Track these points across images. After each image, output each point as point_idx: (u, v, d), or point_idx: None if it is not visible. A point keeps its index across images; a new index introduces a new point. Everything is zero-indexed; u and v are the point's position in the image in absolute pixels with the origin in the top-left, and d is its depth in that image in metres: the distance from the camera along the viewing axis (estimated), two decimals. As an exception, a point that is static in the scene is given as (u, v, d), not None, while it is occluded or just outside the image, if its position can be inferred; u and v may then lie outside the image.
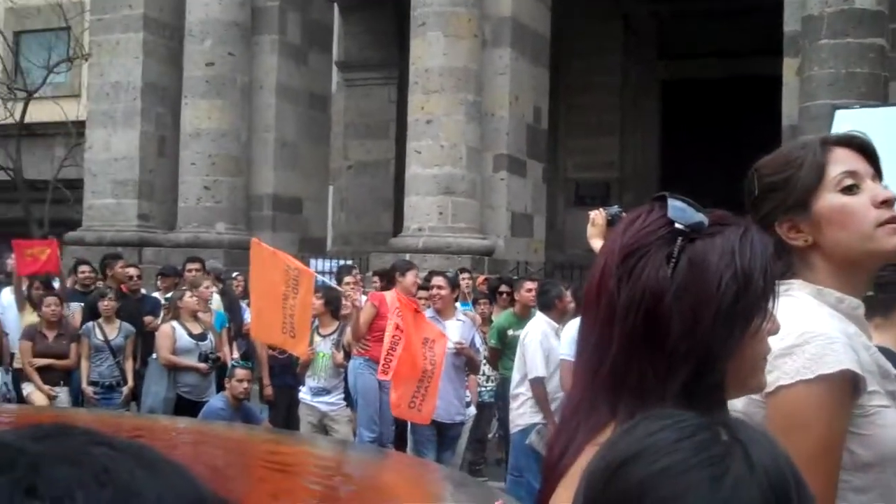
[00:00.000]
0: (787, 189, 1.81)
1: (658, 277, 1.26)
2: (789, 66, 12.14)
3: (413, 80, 13.53)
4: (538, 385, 7.21)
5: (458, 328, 7.94)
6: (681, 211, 1.29)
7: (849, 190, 1.79)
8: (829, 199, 1.79)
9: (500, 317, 9.36)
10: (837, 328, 1.71)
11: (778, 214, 1.82)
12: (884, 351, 2.33)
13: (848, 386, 1.65)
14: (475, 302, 10.01)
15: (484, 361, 8.85)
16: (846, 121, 8.98)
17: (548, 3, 14.89)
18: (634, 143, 19.50)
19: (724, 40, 17.80)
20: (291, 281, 7.85)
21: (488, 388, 9.24)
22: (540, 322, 7.54)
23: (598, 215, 3.88)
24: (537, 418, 7.19)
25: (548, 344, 7.28)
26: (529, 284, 8.86)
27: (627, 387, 1.26)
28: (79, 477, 0.63)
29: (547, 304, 7.67)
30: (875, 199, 1.78)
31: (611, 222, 3.83)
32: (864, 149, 1.85)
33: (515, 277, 11.14)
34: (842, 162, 1.81)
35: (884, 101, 11.08)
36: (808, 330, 1.68)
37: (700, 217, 1.29)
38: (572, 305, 7.64)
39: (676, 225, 1.28)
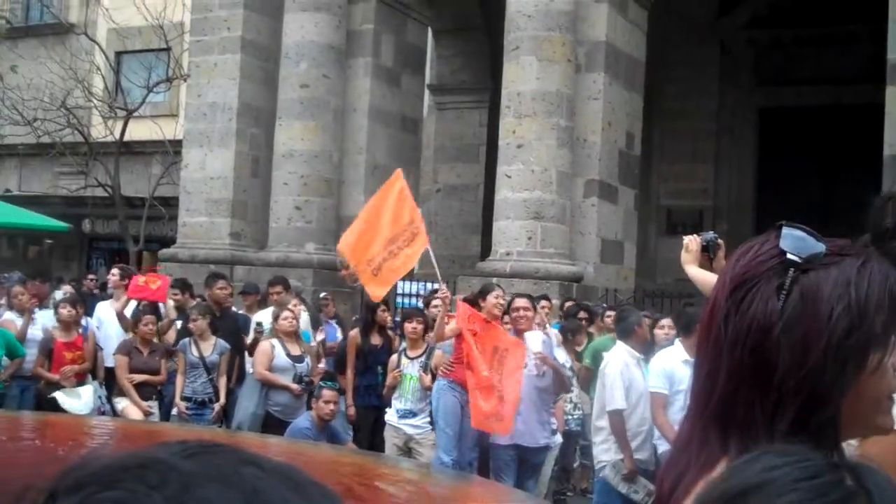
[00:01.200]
0: None
1: (767, 310, 1.21)
2: (893, 94, 11.80)
3: (505, 104, 13.52)
4: (617, 418, 7.01)
5: (539, 340, 7.81)
6: (798, 240, 1.24)
7: None
8: None
9: (598, 339, 9.25)
10: None
11: None
12: None
13: None
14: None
15: (572, 387, 8.73)
16: None
17: (643, 28, 14.77)
18: (729, 170, 19.22)
19: (822, 67, 17.48)
20: (409, 231, 7.88)
21: (575, 417, 9.08)
22: (621, 351, 7.30)
23: (692, 241, 3.80)
24: (623, 453, 7.03)
25: (629, 374, 7.09)
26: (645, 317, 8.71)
27: (735, 422, 1.21)
28: (229, 498, 0.63)
29: (626, 331, 7.43)
30: None
31: (706, 248, 3.76)
32: None
33: (597, 305, 11.04)
34: None
35: None
36: None
37: (817, 247, 1.24)
38: (671, 333, 7.48)
39: (788, 255, 1.23)
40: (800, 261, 1.23)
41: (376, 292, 8.28)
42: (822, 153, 17.11)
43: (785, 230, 1.26)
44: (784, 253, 1.24)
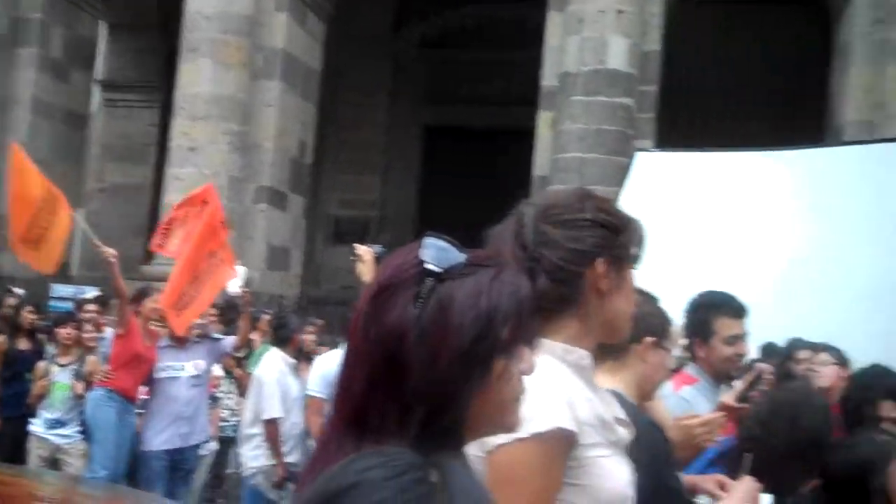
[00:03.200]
0: (621, 237, 1.90)
1: (403, 317, 1.24)
2: (545, 119, 12.69)
3: (179, 106, 13.21)
4: (272, 426, 6.98)
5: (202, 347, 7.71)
6: (439, 250, 1.27)
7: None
8: (631, 274, 1.92)
9: (262, 346, 9.21)
10: (559, 384, 1.76)
11: (604, 252, 1.87)
12: (614, 395, 2.42)
13: (561, 442, 1.72)
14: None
15: (229, 393, 8.66)
16: (646, 164, 9.51)
17: (320, 39, 14.94)
18: (396, 183, 19.77)
19: (487, 90, 18.41)
20: (49, 199, 7.80)
21: (231, 423, 8.93)
22: (276, 359, 7.25)
23: (365, 252, 3.88)
24: (275, 460, 7.01)
25: (284, 381, 7.09)
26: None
27: (370, 427, 1.23)
28: None
29: (283, 338, 7.41)
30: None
31: (378, 260, 3.85)
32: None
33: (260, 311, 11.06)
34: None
35: (629, 157, 11.78)
36: (528, 388, 1.66)
37: (457, 258, 1.28)
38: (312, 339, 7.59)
39: (427, 265, 1.26)
40: (438, 270, 1.25)
41: (45, 264, 7.98)
42: (483, 171, 18.00)
43: (427, 240, 1.28)
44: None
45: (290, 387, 7.08)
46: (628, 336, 2.03)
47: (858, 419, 3.92)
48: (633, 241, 1.93)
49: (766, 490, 3.14)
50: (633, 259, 1.94)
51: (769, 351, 6.93)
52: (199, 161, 12.87)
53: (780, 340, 5.99)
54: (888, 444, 3.16)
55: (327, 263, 18.11)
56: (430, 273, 1.25)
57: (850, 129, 11.80)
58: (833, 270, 7.56)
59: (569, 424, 1.71)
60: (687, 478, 3.14)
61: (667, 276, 6.72)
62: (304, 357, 8.05)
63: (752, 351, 5.32)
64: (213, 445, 8.20)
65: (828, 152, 9.78)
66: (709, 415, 3.38)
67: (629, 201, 8.99)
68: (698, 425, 3.24)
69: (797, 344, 6.76)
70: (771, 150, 9.17)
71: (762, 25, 15.84)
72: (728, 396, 3.70)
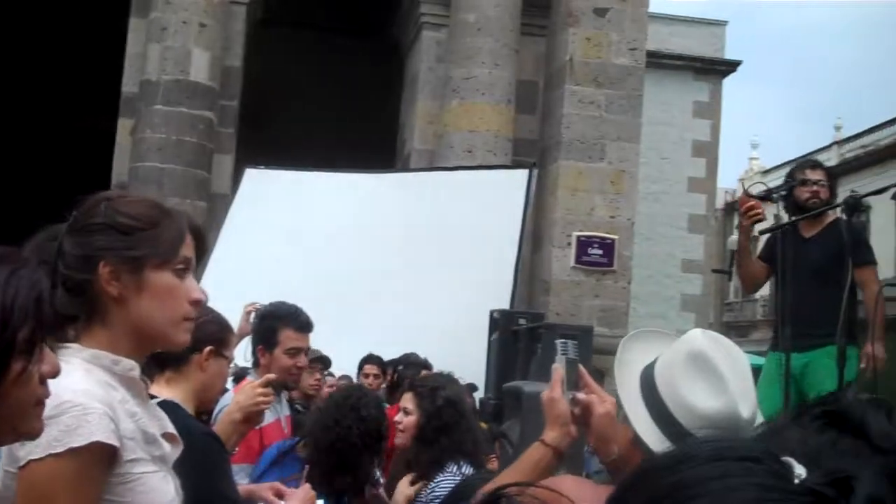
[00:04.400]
0: (136, 239, 1.82)
1: None
2: (125, 126, 12.36)
3: None
4: None
5: None
6: None
7: (179, 274, 1.87)
8: (165, 276, 1.84)
9: None
10: (100, 397, 1.71)
11: (109, 255, 1.79)
12: (168, 404, 2.48)
13: (100, 458, 1.67)
14: None
15: None
16: (253, 179, 9.52)
17: None
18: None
19: (58, 96, 17.62)
20: None
21: None
22: None
23: None
24: None
25: None
26: None
27: None
28: None
29: None
30: (190, 295, 1.88)
31: None
32: (201, 239, 1.97)
33: None
34: (188, 247, 1.89)
35: (208, 170, 11.82)
36: (66, 400, 1.65)
37: None
38: None
39: None
40: None
41: None
42: (58, 176, 17.14)
43: None
44: None
45: None
46: (186, 344, 1.96)
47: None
48: (159, 240, 1.84)
49: (324, 493, 3.35)
50: (163, 258, 1.84)
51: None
52: None
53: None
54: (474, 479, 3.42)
55: None
56: None
57: (416, 156, 12.69)
58: (389, 285, 8.26)
59: (109, 439, 1.67)
60: (243, 487, 3.25)
61: (255, 285, 6.96)
62: None
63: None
64: None
65: (397, 177, 10.53)
66: (262, 379, 3.41)
67: (237, 215, 9.19)
68: (259, 386, 3.27)
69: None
70: (357, 172, 9.76)
71: (347, 53, 16.57)
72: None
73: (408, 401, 3.92)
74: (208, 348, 2.95)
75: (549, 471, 2.13)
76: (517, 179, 8.84)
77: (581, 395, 2.13)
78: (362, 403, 3.75)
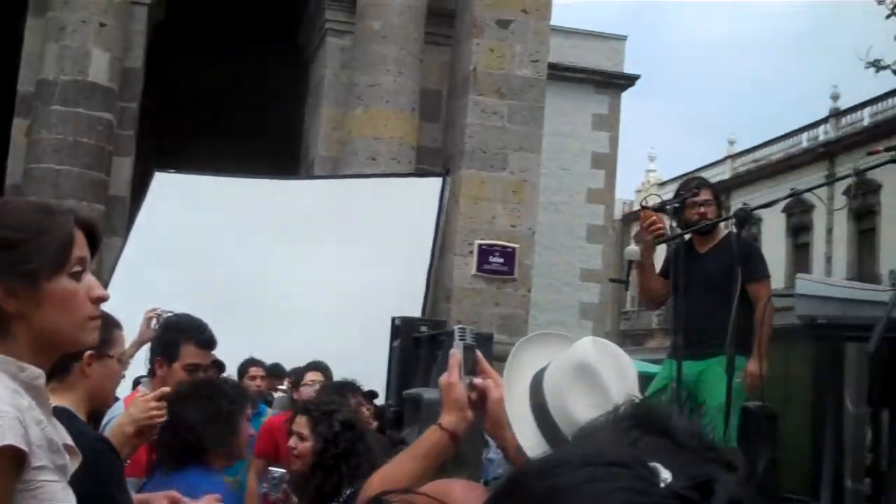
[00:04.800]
0: (22, 252, 1.75)
1: None
2: (19, 126, 12.08)
3: None
4: None
5: None
6: None
7: (76, 277, 1.81)
8: (62, 282, 1.79)
9: None
10: (9, 402, 1.69)
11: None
12: (63, 412, 2.45)
13: (10, 462, 1.65)
14: None
15: None
16: (162, 183, 9.37)
17: None
18: None
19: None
20: None
21: None
22: None
23: None
24: None
25: None
26: None
27: None
28: None
29: None
30: (91, 293, 1.84)
31: None
32: (92, 233, 1.89)
33: None
34: (80, 246, 1.82)
35: (107, 172, 11.61)
36: None
37: None
38: None
39: None
40: None
41: None
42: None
43: None
44: None
45: None
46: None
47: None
48: (49, 247, 1.78)
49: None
50: (57, 265, 1.78)
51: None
52: None
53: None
54: None
55: None
56: None
57: (320, 162, 12.67)
58: (294, 290, 8.26)
59: (20, 443, 1.65)
60: (138, 497, 3.21)
61: (160, 287, 6.87)
62: None
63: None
64: None
65: (308, 183, 10.53)
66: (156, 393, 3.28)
67: (148, 218, 9.07)
68: (152, 400, 3.16)
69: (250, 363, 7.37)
70: (262, 178, 9.73)
71: (253, 58, 16.43)
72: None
73: (301, 425, 3.81)
74: (87, 353, 2.79)
75: (444, 454, 2.16)
76: (431, 187, 8.93)
77: (478, 380, 2.17)
78: (217, 391, 3.55)
